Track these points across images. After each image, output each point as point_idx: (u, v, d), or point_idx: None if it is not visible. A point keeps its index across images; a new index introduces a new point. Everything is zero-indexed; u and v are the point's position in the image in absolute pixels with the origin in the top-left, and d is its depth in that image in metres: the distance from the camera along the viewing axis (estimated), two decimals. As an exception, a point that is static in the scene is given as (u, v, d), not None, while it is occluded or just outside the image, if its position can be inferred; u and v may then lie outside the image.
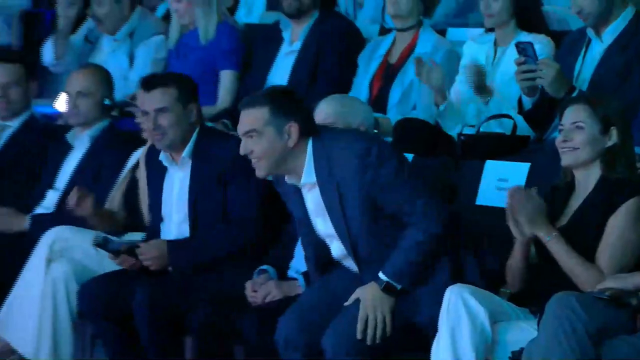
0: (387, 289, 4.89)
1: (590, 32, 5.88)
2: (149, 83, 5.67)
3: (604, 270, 4.66)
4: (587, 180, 4.86)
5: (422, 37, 6.41)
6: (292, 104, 4.99)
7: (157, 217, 5.79)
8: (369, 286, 4.89)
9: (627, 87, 5.41)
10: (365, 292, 4.89)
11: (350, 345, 4.95)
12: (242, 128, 4.97)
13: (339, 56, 6.81)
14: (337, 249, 5.13)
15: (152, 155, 5.83)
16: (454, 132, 6.07)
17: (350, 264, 5.15)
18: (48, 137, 6.12)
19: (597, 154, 4.78)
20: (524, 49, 5.57)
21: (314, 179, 4.96)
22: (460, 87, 6.19)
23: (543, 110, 5.65)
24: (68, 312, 5.71)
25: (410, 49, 6.41)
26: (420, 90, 6.31)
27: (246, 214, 5.72)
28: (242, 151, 4.99)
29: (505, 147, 5.82)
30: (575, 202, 4.89)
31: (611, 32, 5.80)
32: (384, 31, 6.74)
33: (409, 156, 5.79)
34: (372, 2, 7.24)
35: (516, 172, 5.51)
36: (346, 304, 4.96)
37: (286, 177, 5.06)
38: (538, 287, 4.81)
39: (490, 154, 5.73)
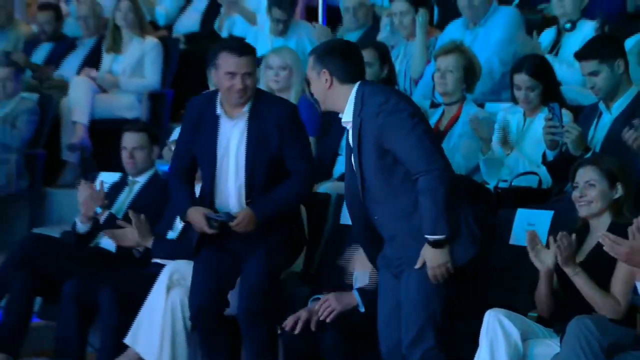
0: (436, 244, 4.64)
1: (601, 105, 5.78)
2: (243, 49, 5.51)
3: (619, 298, 4.63)
4: (599, 225, 4.82)
5: (465, 109, 6.32)
6: (330, 56, 4.83)
7: (212, 166, 5.53)
8: (425, 248, 4.64)
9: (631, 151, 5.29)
10: (426, 253, 4.65)
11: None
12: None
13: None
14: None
15: (200, 109, 5.64)
16: (491, 185, 5.99)
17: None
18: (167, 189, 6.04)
19: (607, 205, 4.79)
20: (552, 108, 5.55)
21: (350, 118, 4.81)
22: (494, 147, 6.09)
23: (563, 164, 5.51)
24: (184, 328, 5.64)
25: (456, 118, 6.33)
26: (461, 150, 6.23)
27: (307, 168, 5.58)
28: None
29: (533, 198, 5.72)
30: (591, 242, 4.83)
31: (618, 106, 5.70)
32: (433, 105, 6.60)
33: (455, 205, 5.77)
34: (424, 82, 7.11)
35: (542, 218, 5.38)
36: (416, 266, 4.69)
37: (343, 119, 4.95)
38: (560, 311, 4.72)
39: (520, 204, 5.61)
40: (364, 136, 4.72)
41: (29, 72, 9.02)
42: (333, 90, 4.81)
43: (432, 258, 4.63)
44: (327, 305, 5.20)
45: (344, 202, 5.33)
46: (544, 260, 4.72)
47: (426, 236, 4.62)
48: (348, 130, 4.87)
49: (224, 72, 5.42)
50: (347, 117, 4.80)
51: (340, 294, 5.27)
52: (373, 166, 4.73)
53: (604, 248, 4.29)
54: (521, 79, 6.03)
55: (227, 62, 5.42)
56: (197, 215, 5.41)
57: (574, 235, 4.68)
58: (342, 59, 4.83)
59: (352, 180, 4.92)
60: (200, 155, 5.54)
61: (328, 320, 5.16)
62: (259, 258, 5.46)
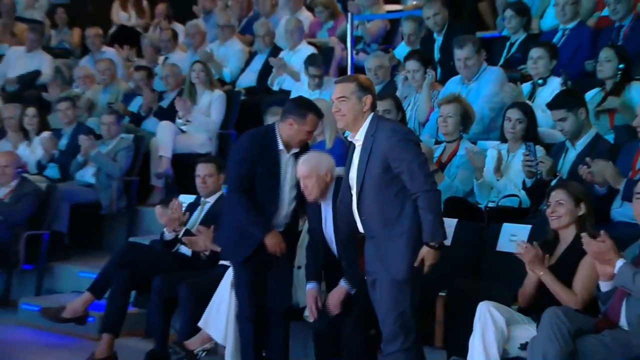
0: (435, 247, 4.57)
1: (567, 143, 5.80)
2: (321, 113, 5.46)
3: (577, 293, 4.63)
4: (566, 236, 4.86)
5: (462, 145, 6.31)
6: (369, 86, 4.77)
7: (275, 191, 5.38)
8: (425, 250, 4.54)
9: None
10: (426, 254, 4.55)
11: None
12: (335, 95, 4.75)
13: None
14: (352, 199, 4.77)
15: (263, 143, 5.42)
16: (482, 204, 5.97)
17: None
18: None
19: (572, 220, 4.81)
20: (529, 146, 5.64)
21: (362, 137, 4.67)
22: (486, 174, 6.07)
23: (539, 189, 5.55)
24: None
25: (455, 153, 6.31)
26: (459, 178, 6.18)
27: None
28: (333, 110, 4.78)
29: (515, 215, 5.71)
30: (560, 249, 4.86)
31: (580, 144, 5.73)
32: (437, 142, 6.62)
33: (453, 220, 5.75)
34: (429, 124, 7.12)
35: (522, 231, 5.39)
36: (415, 264, 4.57)
37: (349, 136, 4.87)
38: (536, 303, 4.71)
39: (505, 219, 5.62)
40: (374, 152, 4.60)
41: (127, 118, 9.08)
42: (364, 113, 4.69)
43: (431, 257, 4.56)
44: (329, 309, 5.16)
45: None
46: (534, 269, 4.71)
47: (428, 241, 4.54)
48: (355, 148, 4.75)
49: (307, 130, 5.34)
50: (360, 136, 4.68)
51: (332, 291, 5.19)
52: (375, 178, 4.59)
53: (582, 242, 4.38)
54: (513, 113, 6.06)
55: (313, 123, 5.39)
56: (277, 239, 5.32)
57: (535, 244, 4.74)
58: (374, 92, 4.80)
59: (346, 189, 4.79)
60: (262, 180, 5.36)
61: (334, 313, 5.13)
62: (283, 264, 5.45)
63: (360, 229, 4.74)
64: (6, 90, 10.42)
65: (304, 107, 5.44)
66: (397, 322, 4.59)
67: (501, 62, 7.65)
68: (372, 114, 4.72)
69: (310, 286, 5.30)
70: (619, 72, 6.37)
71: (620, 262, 4.33)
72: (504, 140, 6.19)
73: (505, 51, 7.85)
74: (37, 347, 6.67)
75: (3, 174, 7.82)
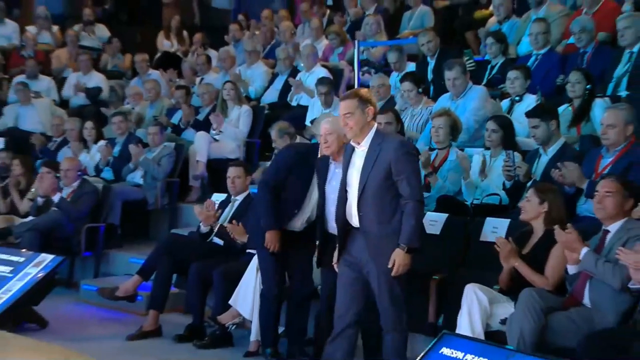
0: (409, 251, 4.35)
1: (540, 149, 5.76)
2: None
3: (549, 277, 4.63)
4: (538, 228, 4.83)
5: (451, 152, 6.27)
6: (369, 98, 4.54)
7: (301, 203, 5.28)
8: (398, 252, 4.34)
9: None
10: (397, 255, 4.35)
11: None
12: (342, 111, 4.54)
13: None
14: (351, 196, 4.54)
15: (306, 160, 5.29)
16: (468, 201, 5.94)
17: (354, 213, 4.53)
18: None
19: (536, 215, 4.84)
20: (508, 154, 5.60)
21: (367, 145, 4.46)
22: (472, 176, 6.05)
23: (516, 189, 5.55)
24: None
25: (445, 158, 6.26)
26: (449, 179, 6.13)
27: None
28: (342, 124, 4.55)
29: (496, 211, 5.68)
30: (533, 239, 4.83)
31: (551, 150, 5.69)
32: (431, 149, 6.56)
33: (444, 215, 5.72)
34: (424, 134, 7.04)
35: (502, 224, 5.39)
36: (390, 265, 4.36)
37: (352, 141, 4.56)
38: (514, 286, 4.68)
39: (488, 214, 5.60)
40: (380, 160, 4.41)
41: (169, 129, 9.09)
42: (369, 123, 4.52)
43: (401, 260, 4.35)
44: None
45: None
46: (508, 262, 4.72)
47: (402, 244, 4.34)
48: (354, 151, 4.53)
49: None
50: (365, 144, 4.48)
51: None
52: (378, 182, 4.40)
53: (555, 233, 4.43)
54: (490, 124, 6.06)
55: None
56: (274, 238, 5.24)
57: (510, 239, 4.76)
58: (375, 103, 4.60)
59: (344, 187, 4.57)
60: (293, 187, 5.29)
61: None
62: (303, 255, 5.39)
63: (355, 223, 4.53)
64: (69, 107, 10.44)
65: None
66: (393, 307, 4.47)
67: (484, 81, 7.60)
68: (375, 125, 4.57)
69: None
70: (587, 92, 6.33)
71: (584, 250, 4.35)
72: (487, 147, 6.16)
73: (487, 72, 7.80)
74: (95, 320, 6.68)
75: (66, 176, 7.82)
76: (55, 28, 12.06)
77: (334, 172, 4.94)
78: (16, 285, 6.25)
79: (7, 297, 6.18)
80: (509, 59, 7.85)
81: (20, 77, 10.47)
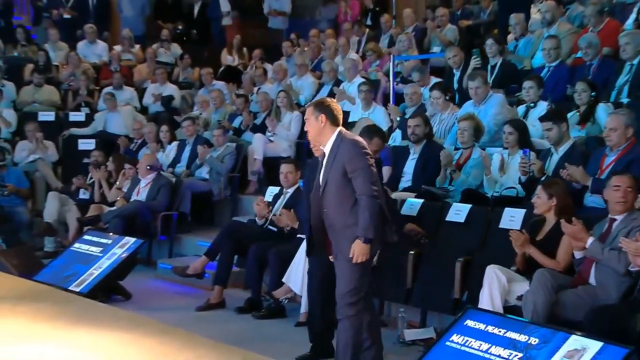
0: (365, 241, 4.06)
1: (552, 149, 5.68)
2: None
3: (560, 262, 4.58)
4: (550, 219, 4.77)
5: (474, 151, 6.22)
6: (324, 107, 4.24)
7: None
8: (356, 243, 4.06)
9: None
10: (356, 246, 4.07)
11: None
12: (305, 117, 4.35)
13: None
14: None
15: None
16: (489, 194, 5.88)
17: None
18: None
19: (546, 208, 4.76)
20: (525, 152, 5.53)
21: (329, 148, 4.23)
22: (493, 172, 5.98)
23: (531, 184, 5.47)
24: None
25: (469, 157, 6.23)
26: (472, 175, 6.08)
27: None
28: (305, 128, 4.35)
29: (513, 202, 5.60)
30: (546, 228, 4.79)
31: (562, 150, 5.61)
32: (456, 149, 6.53)
33: (468, 205, 5.66)
34: (451, 135, 6.98)
35: (518, 214, 5.32)
36: (350, 255, 4.09)
37: (321, 147, 4.32)
38: (529, 267, 4.63)
39: (506, 205, 5.52)
40: (337, 159, 4.17)
41: (231, 131, 9.13)
42: (326, 128, 4.24)
43: (359, 250, 4.07)
44: None
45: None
46: (522, 250, 4.66)
47: (359, 236, 4.07)
48: (325, 156, 4.27)
49: (372, 150, 4.64)
50: (327, 147, 4.24)
51: None
52: (335, 180, 4.17)
53: (561, 225, 4.35)
54: (506, 127, 5.97)
55: (377, 144, 5.22)
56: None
57: (523, 230, 4.73)
58: (330, 110, 4.26)
59: (317, 187, 4.32)
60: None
61: None
62: None
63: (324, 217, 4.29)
64: (147, 113, 10.57)
65: (372, 133, 5.34)
66: (350, 293, 4.15)
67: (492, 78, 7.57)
68: (338, 129, 4.25)
69: None
70: (592, 98, 6.25)
71: (590, 240, 4.31)
72: (505, 147, 6.08)
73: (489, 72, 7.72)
74: (169, 294, 6.75)
75: (141, 170, 7.95)
76: (137, 47, 12.21)
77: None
78: (105, 263, 6.37)
79: (98, 274, 6.31)
80: (526, 70, 7.76)
81: (108, 89, 10.61)
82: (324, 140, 4.28)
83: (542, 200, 4.76)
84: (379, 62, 9.70)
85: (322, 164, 4.30)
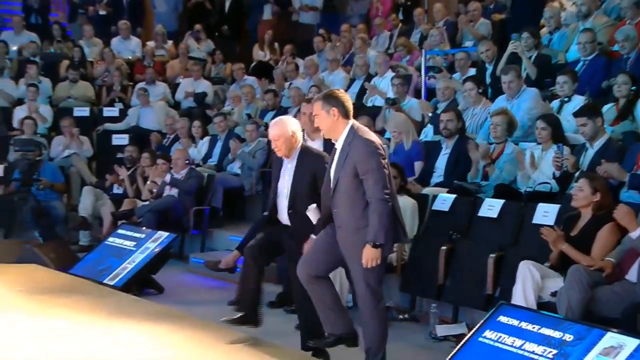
0: (374, 246, 3.92)
1: (587, 144, 5.61)
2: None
3: (595, 258, 4.47)
4: (586, 214, 4.68)
5: (507, 146, 6.17)
6: (334, 99, 4.09)
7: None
8: (366, 248, 3.92)
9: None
10: (366, 251, 3.94)
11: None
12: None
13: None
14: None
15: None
16: (522, 189, 5.81)
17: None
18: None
19: (587, 202, 4.65)
20: (558, 147, 5.47)
21: (342, 144, 4.07)
22: (526, 167, 5.90)
23: (564, 178, 5.43)
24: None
25: (502, 151, 6.17)
26: (504, 169, 6.03)
27: None
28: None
29: (546, 197, 5.53)
30: (581, 223, 4.70)
31: (597, 145, 5.54)
32: (489, 143, 6.45)
33: (501, 201, 5.60)
34: (484, 130, 6.91)
35: (552, 209, 5.25)
36: (363, 261, 3.95)
37: (333, 140, 4.16)
38: (563, 263, 4.56)
39: (540, 201, 5.45)
40: (349, 158, 4.00)
41: (262, 127, 9.16)
42: (339, 122, 4.09)
43: (370, 255, 3.93)
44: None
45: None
46: (556, 246, 4.59)
47: (369, 240, 3.92)
48: (336, 151, 4.12)
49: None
50: (339, 143, 4.09)
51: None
52: (347, 181, 4.01)
53: (615, 210, 4.32)
54: (539, 123, 5.89)
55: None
56: None
57: (556, 227, 4.63)
58: (342, 102, 4.10)
59: (327, 183, 4.16)
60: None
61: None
62: None
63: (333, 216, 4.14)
64: (180, 109, 10.65)
65: None
66: (369, 296, 4.05)
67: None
68: (350, 122, 4.09)
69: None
70: (631, 92, 6.14)
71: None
72: (538, 142, 6.01)
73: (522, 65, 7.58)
74: (201, 287, 6.80)
75: (176, 164, 8.03)
76: (170, 43, 12.30)
77: (287, 167, 4.68)
78: (138, 257, 6.43)
79: (131, 267, 6.38)
80: (559, 64, 7.68)
81: (141, 84, 10.72)
82: (336, 135, 4.11)
83: (584, 194, 4.65)
84: (409, 57, 9.66)
85: (332, 160, 4.15)
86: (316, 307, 4.20)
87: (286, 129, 4.60)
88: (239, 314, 4.75)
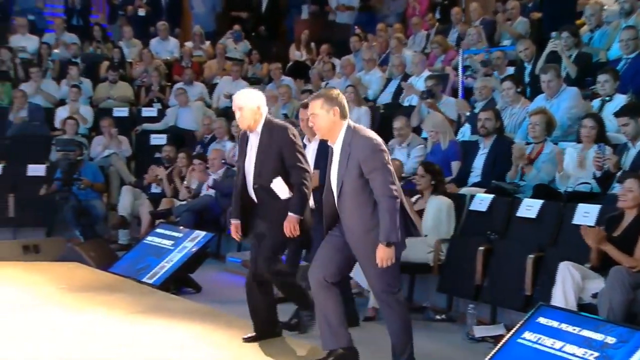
0: (387, 245, 3.81)
1: (629, 143, 5.52)
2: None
3: (638, 259, 4.39)
4: (630, 215, 4.59)
5: (546, 146, 6.10)
6: (334, 99, 3.99)
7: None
8: (380, 247, 3.81)
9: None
10: (379, 250, 3.82)
11: None
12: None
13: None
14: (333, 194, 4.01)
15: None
16: (562, 189, 5.73)
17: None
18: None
19: (636, 203, 4.54)
20: (600, 146, 5.39)
21: (340, 145, 3.96)
22: (565, 167, 5.82)
23: (606, 178, 5.35)
24: None
25: (541, 151, 6.09)
26: (543, 170, 5.95)
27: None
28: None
29: (587, 198, 5.44)
30: (624, 223, 4.61)
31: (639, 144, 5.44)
32: (527, 143, 6.37)
33: (540, 201, 5.52)
34: (522, 130, 6.81)
35: (593, 210, 5.16)
36: (377, 262, 3.85)
37: (329, 142, 4.05)
38: (604, 264, 4.48)
39: (580, 201, 5.36)
40: (351, 159, 3.88)
41: (298, 127, 9.15)
42: (336, 123, 3.99)
43: (384, 255, 3.82)
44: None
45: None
46: (597, 246, 4.50)
47: (382, 240, 3.81)
48: (334, 153, 4.00)
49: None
50: (338, 144, 3.98)
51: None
52: (352, 182, 3.90)
53: None
54: (588, 121, 5.79)
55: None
56: None
57: (598, 227, 4.56)
58: (341, 103, 4.02)
59: (329, 188, 4.04)
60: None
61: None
62: None
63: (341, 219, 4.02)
64: (218, 108, 10.72)
65: None
66: (386, 292, 3.96)
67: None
68: (346, 122, 3.99)
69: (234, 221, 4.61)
70: None
71: None
72: (579, 141, 5.91)
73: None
74: (238, 287, 6.69)
75: (212, 165, 8.09)
76: (207, 43, 12.40)
77: (252, 142, 4.48)
78: (176, 257, 6.49)
79: (169, 266, 6.44)
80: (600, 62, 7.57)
81: (179, 84, 10.82)
82: (334, 136, 4.00)
83: (634, 194, 4.52)
84: (444, 56, 9.59)
85: (331, 162, 4.03)
86: (316, 315, 4.13)
87: (252, 101, 4.44)
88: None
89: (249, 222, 4.52)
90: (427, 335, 4.98)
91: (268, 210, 4.44)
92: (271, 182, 4.37)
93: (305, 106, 5.38)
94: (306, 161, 4.46)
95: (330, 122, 3.98)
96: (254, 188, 4.44)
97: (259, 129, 4.46)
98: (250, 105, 4.44)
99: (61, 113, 10.05)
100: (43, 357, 4.21)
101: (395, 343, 4.07)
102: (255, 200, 4.48)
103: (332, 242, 4.06)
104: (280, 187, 4.37)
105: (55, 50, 11.69)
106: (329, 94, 4.07)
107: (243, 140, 4.57)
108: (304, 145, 5.02)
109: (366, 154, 3.88)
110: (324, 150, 4.84)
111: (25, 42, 11.72)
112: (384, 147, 3.94)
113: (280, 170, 4.39)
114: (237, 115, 4.47)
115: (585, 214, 5.15)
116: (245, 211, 4.49)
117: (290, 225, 4.36)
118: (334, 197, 3.99)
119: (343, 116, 4.00)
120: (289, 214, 4.35)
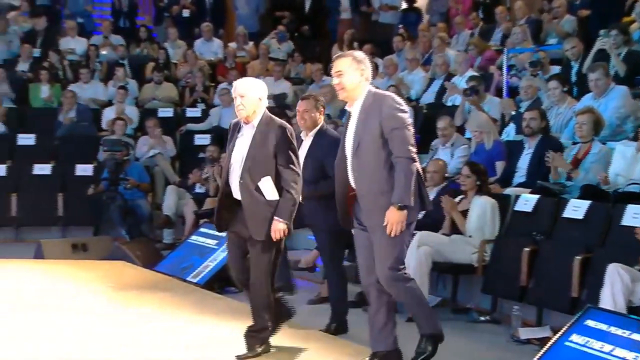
0: (400, 208, 3.69)
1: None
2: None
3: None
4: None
5: (594, 146, 5.98)
6: (365, 60, 3.90)
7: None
8: (390, 210, 3.69)
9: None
10: (390, 213, 3.70)
11: None
12: (334, 70, 3.92)
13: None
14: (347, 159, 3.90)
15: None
16: (610, 190, 5.60)
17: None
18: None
19: None
20: None
21: (360, 106, 3.86)
22: (615, 166, 5.72)
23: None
24: (427, 270, 5.46)
25: (588, 151, 5.98)
26: (592, 170, 5.83)
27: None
28: (333, 83, 3.92)
29: (637, 198, 5.31)
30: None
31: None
32: (574, 143, 6.26)
33: (587, 202, 5.41)
34: (568, 129, 6.71)
35: (643, 211, 5.07)
36: (385, 224, 3.71)
37: (346, 106, 3.94)
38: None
39: (630, 201, 5.25)
40: (371, 117, 3.78)
41: (340, 127, 9.14)
42: (361, 84, 3.88)
43: (395, 218, 3.68)
44: None
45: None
46: None
47: (394, 202, 3.68)
48: (351, 116, 3.90)
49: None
50: (357, 107, 3.87)
51: None
52: (371, 141, 3.77)
53: None
54: None
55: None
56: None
57: None
58: (369, 65, 3.93)
59: (342, 157, 3.93)
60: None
61: None
62: None
63: (353, 184, 3.89)
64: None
65: None
66: (391, 271, 3.81)
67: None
68: (368, 86, 3.90)
69: None
70: None
71: None
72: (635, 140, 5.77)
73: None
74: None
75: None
76: (250, 44, 12.48)
77: (244, 134, 4.18)
78: (220, 256, 6.54)
79: (213, 266, 6.50)
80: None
81: (223, 85, 10.90)
82: (355, 97, 3.88)
83: None
84: (480, 58, 9.49)
85: (347, 126, 3.91)
86: (368, 317, 4.11)
87: (255, 91, 4.18)
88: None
89: (225, 216, 4.21)
90: (471, 336, 4.92)
91: (257, 222, 4.10)
92: (259, 180, 4.08)
93: (304, 98, 5.33)
94: (299, 164, 4.18)
95: (357, 80, 3.87)
96: (239, 182, 4.11)
97: (256, 122, 4.15)
98: (253, 94, 4.16)
99: (108, 114, 10.23)
100: (93, 352, 4.29)
101: (417, 317, 3.99)
102: (238, 196, 4.14)
103: (364, 246, 3.93)
104: (267, 188, 4.08)
105: (103, 52, 11.91)
106: (357, 53, 3.97)
107: (235, 130, 4.25)
108: (300, 140, 4.88)
109: (388, 112, 3.79)
110: (318, 144, 4.89)
111: (74, 44, 11.98)
112: (406, 108, 3.88)
113: (270, 170, 4.10)
114: (237, 102, 4.14)
115: (635, 215, 5.04)
116: (222, 204, 4.19)
117: (279, 232, 4.08)
118: (346, 165, 3.86)
119: (368, 79, 3.92)
120: (276, 218, 4.05)
